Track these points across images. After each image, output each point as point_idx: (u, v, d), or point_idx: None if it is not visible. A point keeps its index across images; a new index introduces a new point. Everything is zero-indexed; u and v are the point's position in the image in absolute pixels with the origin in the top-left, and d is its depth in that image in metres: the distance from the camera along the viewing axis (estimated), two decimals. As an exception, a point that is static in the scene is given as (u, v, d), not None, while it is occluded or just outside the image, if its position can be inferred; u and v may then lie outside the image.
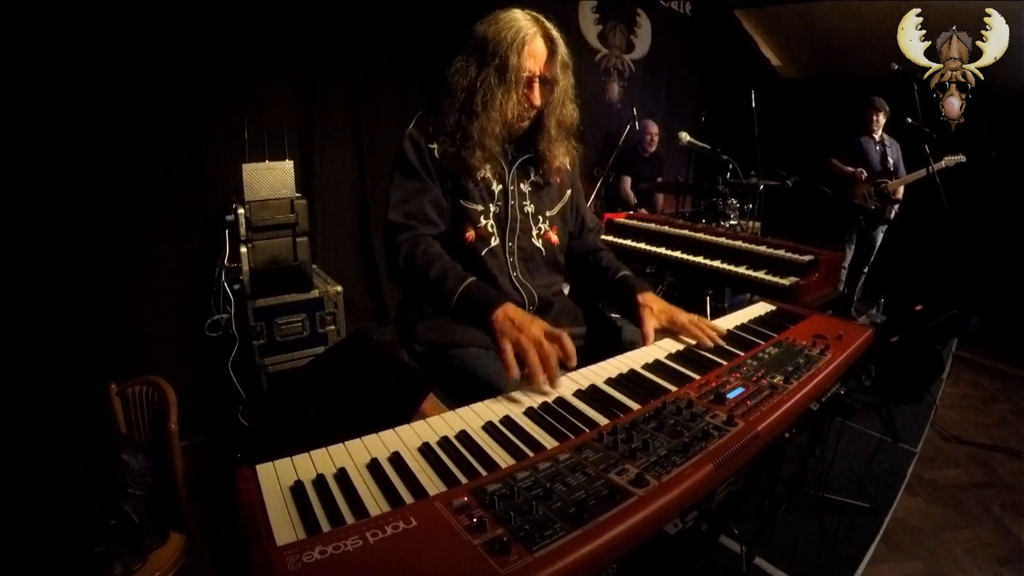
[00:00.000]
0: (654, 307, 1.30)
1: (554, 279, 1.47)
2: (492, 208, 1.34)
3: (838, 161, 3.97)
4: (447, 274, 1.18)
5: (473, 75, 1.26)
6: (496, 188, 1.34)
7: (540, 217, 1.42)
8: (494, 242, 1.35)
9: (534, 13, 1.30)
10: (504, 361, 1.02)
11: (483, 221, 1.33)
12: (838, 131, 4.11)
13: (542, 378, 1.00)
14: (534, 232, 1.40)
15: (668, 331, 1.29)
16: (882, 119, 3.88)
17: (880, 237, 4.07)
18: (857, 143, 3.93)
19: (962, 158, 3.51)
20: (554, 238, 1.45)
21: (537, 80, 1.28)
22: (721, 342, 1.22)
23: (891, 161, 3.92)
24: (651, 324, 1.26)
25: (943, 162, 3.46)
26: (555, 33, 1.29)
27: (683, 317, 1.27)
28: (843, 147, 3.98)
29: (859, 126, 3.97)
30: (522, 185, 1.38)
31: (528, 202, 1.39)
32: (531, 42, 1.25)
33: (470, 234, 1.33)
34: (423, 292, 1.24)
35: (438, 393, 1.32)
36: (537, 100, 1.29)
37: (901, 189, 3.87)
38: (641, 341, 1.24)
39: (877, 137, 3.93)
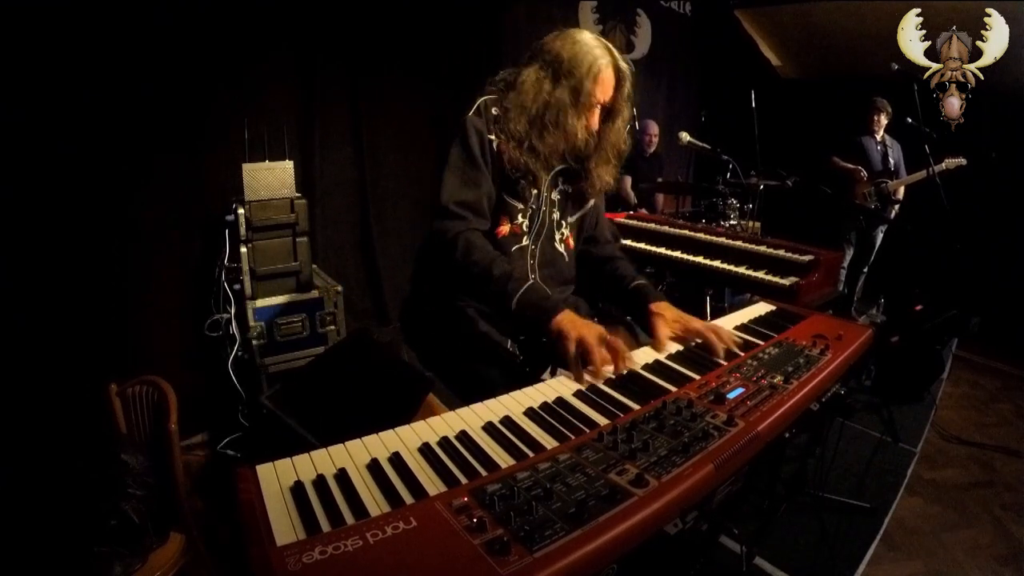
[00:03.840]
0: (667, 315, 1.29)
1: (567, 288, 1.52)
2: (529, 209, 1.38)
3: (839, 159, 3.97)
4: (510, 275, 1.21)
5: (548, 91, 1.29)
6: (533, 192, 1.38)
7: (563, 223, 1.46)
8: (525, 241, 1.40)
9: (604, 41, 1.35)
10: (569, 361, 1.08)
11: (520, 219, 1.38)
12: (839, 130, 4.11)
13: (602, 377, 1.05)
14: (557, 237, 1.45)
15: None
16: (884, 119, 3.88)
17: (880, 237, 4.07)
18: (858, 143, 3.93)
19: (963, 161, 3.51)
20: (571, 243, 1.50)
21: (599, 107, 1.33)
22: (736, 350, 1.18)
23: (892, 161, 3.92)
24: (664, 331, 1.25)
25: (944, 164, 3.47)
26: (623, 65, 1.34)
27: (697, 324, 1.26)
28: (844, 146, 3.99)
29: (861, 126, 3.97)
30: (553, 193, 1.43)
31: (556, 209, 1.44)
32: (604, 71, 1.30)
33: (504, 228, 1.36)
34: (480, 288, 1.26)
35: (441, 389, 1.33)
36: (595, 126, 1.34)
37: (901, 189, 3.87)
38: (655, 347, 1.23)
39: (878, 137, 3.94)
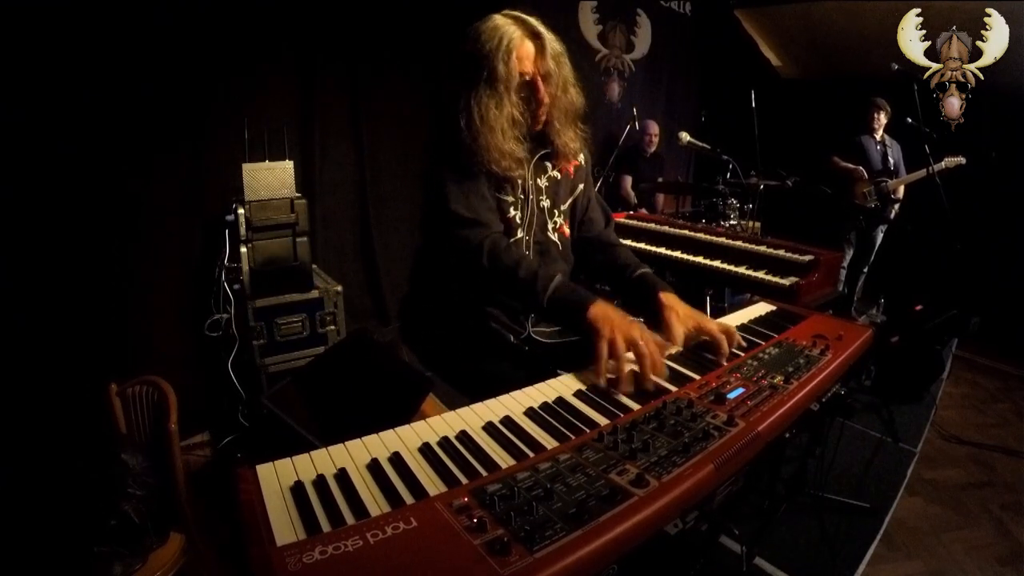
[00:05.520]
0: (680, 311, 1.24)
1: (563, 268, 1.48)
2: (519, 199, 1.37)
3: (839, 158, 3.97)
4: (536, 274, 1.19)
5: (467, 95, 1.24)
6: (519, 182, 1.35)
7: (555, 211, 1.43)
8: (519, 233, 1.37)
9: (515, 13, 1.29)
10: (596, 363, 1.04)
11: (512, 212, 1.36)
12: (839, 130, 4.11)
13: (628, 387, 1.01)
14: (550, 226, 1.43)
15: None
16: (883, 119, 3.88)
17: (880, 237, 4.07)
18: (858, 142, 3.93)
19: (962, 160, 3.51)
20: (567, 231, 1.47)
21: (540, 79, 1.28)
22: (740, 353, 1.17)
23: (892, 161, 3.92)
24: (679, 329, 1.20)
25: (943, 163, 3.47)
26: (540, 28, 1.28)
27: (712, 325, 1.20)
28: (844, 146, 3.99)
29: (860, 125, 3.97)
30: (539, 180, 1.40)
31: (544, 197, 1.41)
32: (519, 46, 1.24)
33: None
34: (510, 290, 1.25)
35: (447, 392, 1.32)
36: (544, 96, 1.30)
37: (901, 189, 3.88)
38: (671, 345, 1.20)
39: (878, 137, 3.94)
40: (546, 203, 1.41)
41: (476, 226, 1.25)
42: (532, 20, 1.28)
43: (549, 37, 1.29)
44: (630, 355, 1.05)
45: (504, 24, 1.26)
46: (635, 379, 1.03)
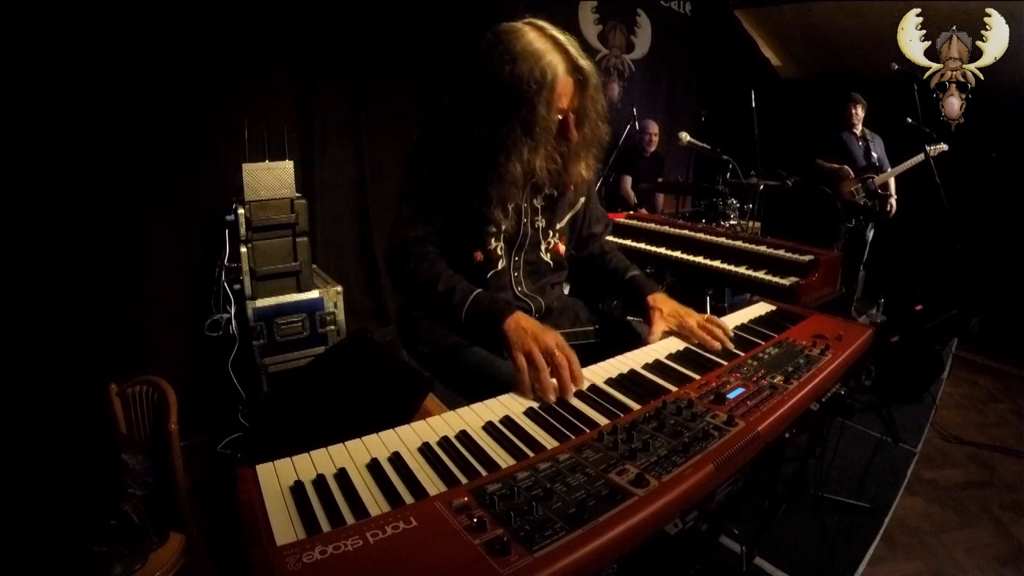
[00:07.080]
0: (664, 309, 1.28)
1: (557, 280, 1.47)
2: (504, 226, 1.27)
3: (823, 160, 3.97)
4: (455, 287, 1.16)
5: (494, 126, 1.12)
6: (509, 206, 1.25)
7: (550, 231, 1.37)
8: (500, 264, 1.31)
9: (551, 33, 1.14)
10: (516, 376, 1.01)
11: (493, 243, 1.29)
12: (820, 129, 4.11)
13: (552, 396, 0.97)
14: (543, 247, 1.37)
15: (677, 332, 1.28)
16: (861, 112, 3.88)
17: (871, 233, 4.06)
18: (839, 139, 3.93)
19: (944, 147, 3.52)
20: (561, 248, 1.42)
21: (572, 116, 1.18)
22: (730, 345, 1.20)
23: (875, 156, 3.91)
24: (660, 326, 1.25)
25: (926, 151, 3.47)
26: (582, 61, 1.13)
27: (693, 321, 1.25)
28: (826, 145, 3.98)
29: (839, 122, 3.96)
30: (535, 201, 1.32)
31: (540, 217, 1.34)
32: (560, 83, 1.11)
33: (478, 255, 1.29)
34: (431, 307, 1.23)
35: (447, 392, 1.32)
36: (575, 136, 1.20)
37: (891, 183, 3.87)
38: (647, 340, 1.24)
39: (858, 132, 3.93)
40: (541, 223, 1.35)
41: (415, 245, 1.22)
42: (571, 47, 1.13)
43: (590, 70, 1.14)
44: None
45: (544, 50, 1.09)
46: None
